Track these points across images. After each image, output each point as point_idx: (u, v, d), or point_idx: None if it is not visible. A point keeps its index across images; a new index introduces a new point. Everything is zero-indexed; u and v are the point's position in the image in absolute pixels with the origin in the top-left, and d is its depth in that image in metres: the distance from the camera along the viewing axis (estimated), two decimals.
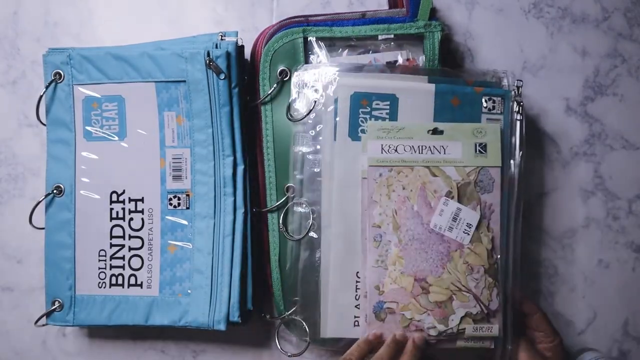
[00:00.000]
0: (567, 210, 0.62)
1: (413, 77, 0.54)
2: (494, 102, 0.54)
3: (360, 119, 0.53)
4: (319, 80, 0.54)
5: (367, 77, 0.54)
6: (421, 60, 0.55)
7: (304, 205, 0.55)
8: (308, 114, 0.54)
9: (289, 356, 0.59)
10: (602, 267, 0.62)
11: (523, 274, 0.62)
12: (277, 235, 0.56)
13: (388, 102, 0.53)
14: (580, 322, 0.62)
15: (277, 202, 0.56)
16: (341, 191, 0.54)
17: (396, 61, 0.55)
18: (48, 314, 0.57)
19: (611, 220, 0.62)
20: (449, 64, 0.61)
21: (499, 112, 0.54)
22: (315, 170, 0.54)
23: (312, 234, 0.55)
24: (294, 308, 0.55)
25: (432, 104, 0.54)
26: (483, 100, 0.54)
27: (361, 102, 0.53)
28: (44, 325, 0.57)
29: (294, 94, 0.55)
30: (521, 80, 0.54)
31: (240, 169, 0.55)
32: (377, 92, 0.53)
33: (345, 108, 0.53)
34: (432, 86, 0.54)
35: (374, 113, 0.54)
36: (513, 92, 0.54)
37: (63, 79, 0.56)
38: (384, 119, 0.54)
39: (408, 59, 0.55)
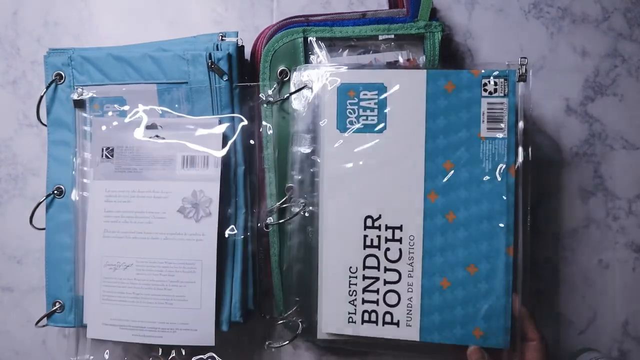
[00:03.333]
0: (567, 210, 0.63)
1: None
2: (495, 83, 0.50)
3: (348, 110, 0.52)
4: (317, 80, 0.53)
5: (356, 69, 0.53)
6: (422, 60, 0.55)
7: (302, 205, 0.55)
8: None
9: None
10: (602, 267, 0.62)
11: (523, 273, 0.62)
12: (277, 236, 0.56)
13: (376, 92, 0.52)
14: (580, 322, 0.62)
15: (277, 202, 0.56)
16: (331, 185, 0.53)
17: (397, 61, 0.55)
18: (49, 315, 0.57)
19: (611, 220, 0.62)
20: (450, 64, 0.61)
21: (502, 94, 0.51)
22: (312, 170, 0.54)
23: (310, 233, 0.54)
24: (294, 308, 0.56)
25: (423, 90, 0.51)
26: (483, 82, 0.51)
27: (348, 94, 0.52)
28: (44, 326, 0.57)
29: (292, 95, 0.55)
30: (526, 58, 0.51)
31: (241, 169, 0.55)
32: (364, 82, 0.52)
33: (333, 100, 0.52)
34: (424, 72, 0.51)
35: (362, 104, 0.52)
36: (518, 70, 0.51)
37: (64, 80, 0.56)
38: (372, 109, 0.52)
39: (409, 59, 0.55)
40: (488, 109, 0.51)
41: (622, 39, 0.62)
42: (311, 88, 0.53)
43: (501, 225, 0.50)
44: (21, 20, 0.64)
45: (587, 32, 0.62)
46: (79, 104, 0.56)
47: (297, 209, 0.55)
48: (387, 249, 0.52)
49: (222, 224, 0.54)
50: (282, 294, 0.57)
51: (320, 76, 0.53)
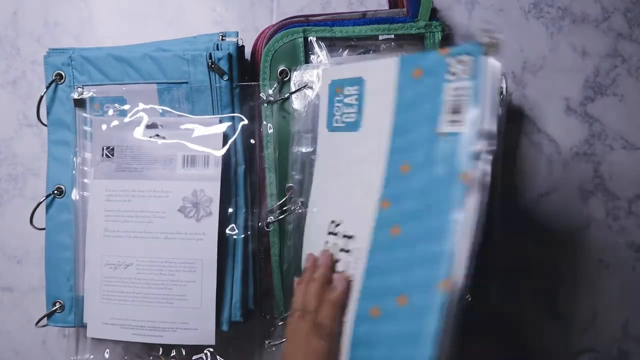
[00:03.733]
0: (567, 210, 0.63)
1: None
2: (463, 63, 0.39)
3: (335, 108, 0.50)
4: (317, 80, 0.54)
5: (341, 63, 0.50)
6: None
7: (299, 204, 0.55)
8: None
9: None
10: (602, 267, 0.62)
11: (524, 273, 0.62)
12: (278, 235, 0.56)
13: (357, 87, 0.47)
14: (580, 322, 0.62)
15: (278, 202, 0.56)
16: (315, 185, 0.52)
17: None
18: (49, 315, 0.57)
19: (611, 220, 0.62)
20: None
21: (467, 76, 0.39)
22: (312, 170, 0.54)
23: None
24: None
25: (393, 81, 0.44)
26: (448, 63, 0.40)
27: (336, 91, 0.50)
28: (44, 326, 0.57)
29: (292, 94, 0.55)
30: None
31: (241, 168, 0.55)
32: (347, 78, 0.48)
33: (324, 99, 0.51)
34: (396, 60, 0.44)
35: (346, 100, 0.48)
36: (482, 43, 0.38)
37: (64, 80, 0.56)
38: (352, 105, 0.48)
39: None
40: (449, 96, 0.40)
41: (622, 39, 0.62)
42: (312, 87, 0.53)
43: (442, 249, 0.38)
44: (21, 20, 0.64)
45: (587, 32, 0.62)
46: (79, 103, 0.56)
47: (293, 208, 0.55)
48: (337, 260, 0.46)
49: (223, 224, 0.54)
50: (282, 294, 0.57)
51: (319, 75, 0.53)
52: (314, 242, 0.50)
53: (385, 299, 0.41)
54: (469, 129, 0.38)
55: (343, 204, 0.47)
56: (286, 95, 0.55)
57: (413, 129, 0.42)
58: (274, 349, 0.57)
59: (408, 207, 0.41)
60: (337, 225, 0.47)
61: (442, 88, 0.40)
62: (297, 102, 0.55)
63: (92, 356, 0.59)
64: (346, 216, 0.47)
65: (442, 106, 0.40)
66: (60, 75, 0.56)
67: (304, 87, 0.54)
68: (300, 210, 0.55)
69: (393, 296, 0.40)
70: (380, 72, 0.46)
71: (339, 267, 0.46)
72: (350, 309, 0.43)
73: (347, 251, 0.45)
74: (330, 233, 0.48)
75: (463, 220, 0.37)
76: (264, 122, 0.56)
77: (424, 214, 0.40)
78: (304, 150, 0.54)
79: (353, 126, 0.48)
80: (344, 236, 0.46)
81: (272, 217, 0.56)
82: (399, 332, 0.39)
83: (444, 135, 0.40)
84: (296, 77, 0.54)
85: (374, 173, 0.44)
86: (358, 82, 0.47)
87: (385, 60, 0.45)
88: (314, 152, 0.54)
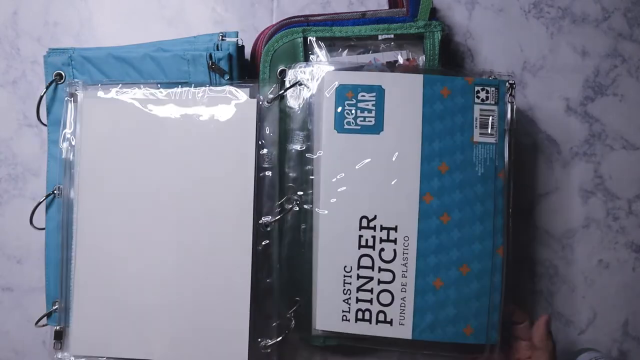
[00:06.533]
0: (567, 210, 0.62)
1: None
2: (487, 92, 0.52)
3: (346, 111, 0.52)
4: (311, 78, 0.54)
5: (353, 69, 0.53)
6: (421, 60, 0.55)
7: (296, 202, 0.55)
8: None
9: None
10: (602, 267, 0.62)
11: (523, 273, 0.62)
12: (277, 235, 0.56)
13: (374, 94, 0.52)
14: (580, 322, 0.62)
15: (277, 201, 0.56)
16: (327, 185, 0.53)
17: (396, 61, 0.55)
18: (49, 315, 0.57)
19: (611, 220, 0.62)
20: (449, 64, 0.61)
21: (493, 102, 0.52)
22: (307, 168, 0.54)
23: (303, 231, 0.55)
24: (294, 307, 0.55)
25: (420, 94, 0.52)
26: (476, 90, 0.52)
27: (346, 95, 0.52)
28: (44, 325, 0.57)
29: (287, 92, 0.55)
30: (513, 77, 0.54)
31: None
32: (362, 84, 0.52)
33: (331, 101, 0.53)
34: (421, 76, 0.52)
35: (360, 105, 0.52)
36: (507, 83, 0.53)
37: (64, 80, 0.56)
38: (370, 110, 0.52)
39: (408, 59, 0.55)
40: (480, 115, 0.52)
41: (622, 39, 0.62)
42: (305, 85, 0.54)
43: (492, 226, 0.52)
44: (21, 20, 0.64)
45: (587, 32, 0.62)
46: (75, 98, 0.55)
47: (289, 206, 0.55)
48: (382, 250, 0.53)
49: None
50: (282, 294, 0.57)
51: (315, 74, 0.53)
52: (341, 240, 0.53)
53: (445, 272, 0.52)
54: (498, 140, 0.52)
55: (373, 200, 0.52)
56: (278, 94, 0.55)
57: (447, 136, 0.52)
58: (269, 350, 0.57)
59: (452, 198, 0.52)
60: (371, 220, 0.52)
61: (473, 107, 0.52)
62: (292, 100, 0.55)
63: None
64: (380, 211, 0.53)
65: (473, 121, 0.52)
66: (60, 75, 0.56)
67: (296, 83, 0.54)
68: (298, 209, 0.55)
69: (455, 267, 0.52)
70: (404, 85, 0.52)
71: (385, 255, 0.52)
72: (407, 286, 0.52)
73: (393, 240, 0.52)
74: (364, 228, 0.53)
75: (502, 205, 0.52)
76: (263, 122, 0.56)
77: (469, 203, 0.52)
78: (298, 147, 0.54)
79: (372, 129, 0.52)
80: (384, 228, 0.52)
81: (271, 217, 0.56)
82: (466, 293, 0.52)
83: (478, 143, 0.52)
84: (291, 76, 0.54)
85: (410, 172, 0.52)
86: (376, 89, 0.52)
87: (408, 75, 0.52)
88: (307, 150, 0.54)
